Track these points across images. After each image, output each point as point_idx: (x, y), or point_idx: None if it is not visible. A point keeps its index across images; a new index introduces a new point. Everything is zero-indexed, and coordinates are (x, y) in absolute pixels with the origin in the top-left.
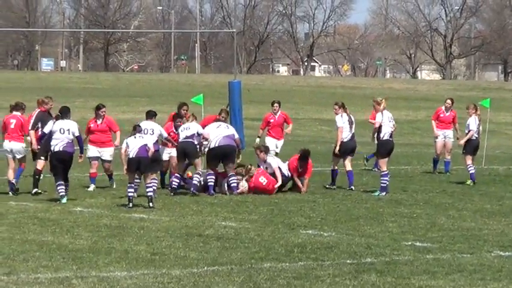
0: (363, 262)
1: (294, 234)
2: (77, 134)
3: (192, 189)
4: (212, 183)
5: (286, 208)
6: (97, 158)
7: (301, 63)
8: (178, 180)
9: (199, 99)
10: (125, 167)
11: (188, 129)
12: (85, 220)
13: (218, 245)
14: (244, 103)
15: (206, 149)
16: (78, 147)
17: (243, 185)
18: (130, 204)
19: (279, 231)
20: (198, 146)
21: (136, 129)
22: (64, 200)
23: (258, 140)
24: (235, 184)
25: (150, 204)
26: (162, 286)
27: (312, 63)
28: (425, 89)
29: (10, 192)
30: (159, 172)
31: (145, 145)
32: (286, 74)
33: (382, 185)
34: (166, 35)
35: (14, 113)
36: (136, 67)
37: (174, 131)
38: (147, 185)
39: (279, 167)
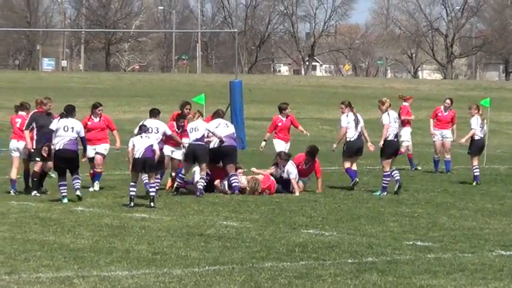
0: (364, 261)
1: (295, 234)
2: (82, 134)
3: (197, 193)
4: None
5: (288, 207)
6: (95, 154)
7: (302, 63)
8: (182, 181)
9: (200, 99)
10: (130, 165)
11: (197, 130)
12: (86, 220)
13: (219, 245)
14: (246, 103)
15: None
16: (82, 148)
17: (241, 181)
18: (132, 204)
19: (280, 231)
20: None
21: (142, 129)
22: (65, 200)
23: (264, 143)
24: (236, 184)
25: (152, 203)
26: (163, 286)
27: (313, 63)
28: (427, 89)
29: (12, 191)
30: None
31: (152, 145)
32: (288, 74)
33: (383, 185)
34: (168, 34)
35: (20, 112)
36: (137, 67)
37: (177, 130)
38: (151, 185)
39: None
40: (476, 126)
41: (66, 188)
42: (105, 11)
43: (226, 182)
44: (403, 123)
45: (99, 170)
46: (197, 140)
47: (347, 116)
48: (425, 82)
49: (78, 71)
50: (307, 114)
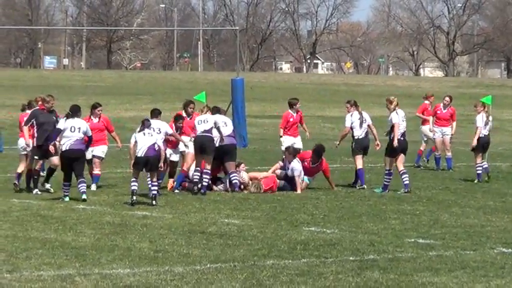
0: (366, 259)
1: (297, 232)
2: (89, 133)
3: (202, 190)
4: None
5: (289, 205)
6: (92, 157)
7: (304, 60)
8: (199, 174)
9: (201, 97)
10: (132, 161)
11: (206, 122)
12: (88, 217)
13: (221, 242)
14: (247, 100)
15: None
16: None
17: (242, 177)
18: (134, 197)
19: (281, 229)
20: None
21: (144, 124)
22: (67, 199)
23: (283, 139)
24: (236, 181)
25: (154, 202)
26: (165, 283)
27: (315, 61)
28: (428, 86)
29: (15, 182)
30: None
31: (154, 144)
32: (289, 72)
33: (384, 183)
34: (169, 32)
35: (27, 111)
36: (139, 65)
37: (175, 131)
38: (153, 184)
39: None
40: (481, 124)
41: (69, 188)
42: (106, 9)
43: (227, 180)
44: (423, 122)
45: (96, 172)
46: (205, 131)
47: (351, 115)
48: (427, 80)
49: (80, 69)
50: (309, 112)
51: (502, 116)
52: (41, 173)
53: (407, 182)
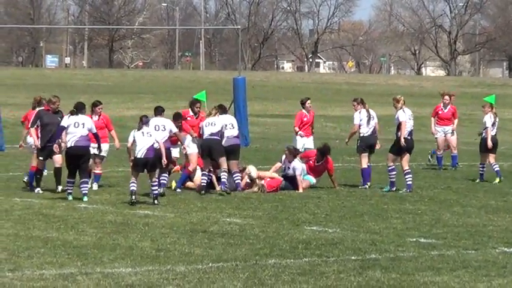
0: (368, 258)
1: (299, 231)
2: (94, 130)
3: (222, 187)
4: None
5: (291, 204)
6: (94, 156)
7: (305, 59)
8: (206, 178)
9: (202, 96)
10: (131, 158)
11: (213, 125)
12: (90, 216)
13: (223, 242)
14: (249, 99)
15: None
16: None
17: (251, 171)
18: (133, 197)
19: (283, 228)
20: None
21: (142, 120)
22: (70, 198)
23: (299, 135)
24: (239, 181)
25: (155, 201)
26: (166, 282)
27: (317, 60)
28: (430, 86)
29: (25, 178)
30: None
31: (153, 144)
32: (291, 71)
33: (390, 180)
34: (171, 31)
35: (38, 109)
36: (140, 64)
37: None
38: (153, 184)
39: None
40: (490, 124)
41: (73, 186)
42: (108, 8)
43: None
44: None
45: (98, 171)
46: (212, 134)
47: (360, 112)
48: (429, 79)
49: (82, 67)
50: None
51: (504, 116)
52: (44, 172)
53: (410, 182)
